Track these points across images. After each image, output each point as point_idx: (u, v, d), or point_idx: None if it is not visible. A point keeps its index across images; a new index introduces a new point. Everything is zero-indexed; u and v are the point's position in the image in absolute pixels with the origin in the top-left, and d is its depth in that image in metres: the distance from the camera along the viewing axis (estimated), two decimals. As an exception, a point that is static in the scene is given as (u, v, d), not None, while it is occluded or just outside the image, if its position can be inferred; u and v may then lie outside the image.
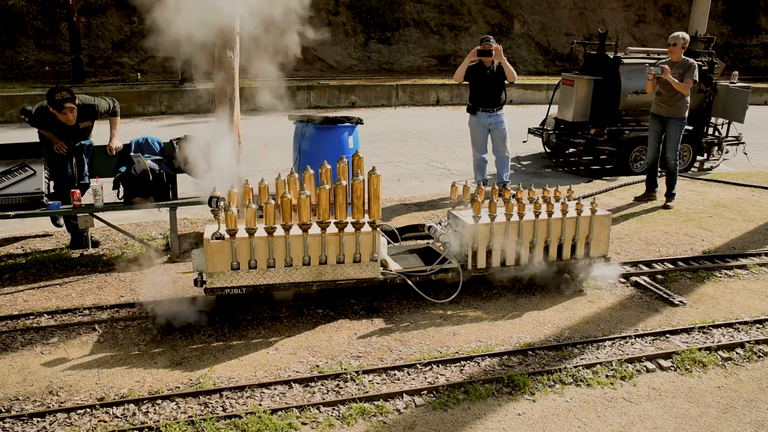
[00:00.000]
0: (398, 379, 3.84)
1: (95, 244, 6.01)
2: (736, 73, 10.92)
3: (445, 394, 3.69)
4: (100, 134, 6.25)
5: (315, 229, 4.40)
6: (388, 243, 5.27)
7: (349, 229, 4.48)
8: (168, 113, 14.63)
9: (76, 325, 4.44)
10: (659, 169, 7.84)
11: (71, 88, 5.55)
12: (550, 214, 4.93)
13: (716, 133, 10.19)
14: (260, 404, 3.56)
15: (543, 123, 10.48)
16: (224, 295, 4.44)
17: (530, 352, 4.17)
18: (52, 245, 6.00)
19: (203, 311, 4.56)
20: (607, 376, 3.92)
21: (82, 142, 5.72)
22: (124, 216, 6.57)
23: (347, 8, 20.21)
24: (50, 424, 3.37)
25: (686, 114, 7.44)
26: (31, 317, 4.56)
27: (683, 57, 7.32)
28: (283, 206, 4.33)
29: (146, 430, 3.34)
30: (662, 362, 4.07)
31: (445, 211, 6.72)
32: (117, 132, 5.84)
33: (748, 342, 4.32)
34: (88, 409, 3.48)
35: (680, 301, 4.97)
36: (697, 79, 7.31)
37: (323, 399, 3.62)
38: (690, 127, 9.39)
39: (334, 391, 3.71)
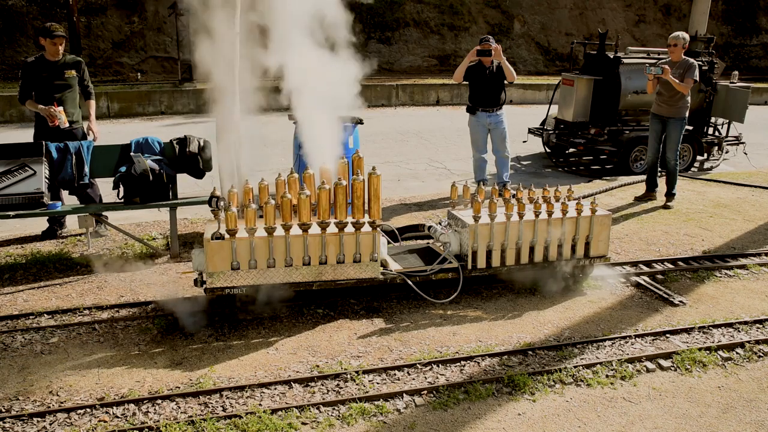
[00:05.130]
0: (398, 379, 3.84)
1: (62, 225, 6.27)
2: (736, 73, 10.93)
3: (445, 394, 3.69)
4: (100, 134, 6.26)
5: (315, 229, 4.40)
6: (388, 243, 5.27)
7: (349, 229, 4.48)
8: (168, 113, 14.63)
9: (76, 325, 4.44)
10: (659, 169, 7.85)
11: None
12: (550, 214, 4.92)
13: (716, 133, 10.19)
14: (260, 404, 3.56)
15: (543, 123, 10.48)
16: (224, 294, 4.44)
17: (530, 352, 4.17)
18: (53, 245, 6.00)
19: (203, 311, 4.56)
20: (607, 376, 3.92)
21: (82, 142, 5.72)
22: (125, 216, 6.57)
23: (347, 8, 20.20)
24: (50, 424, 3.37)
25: (686, 114, 7.44)
26: (31, 317, 4.56)
27: (683, 57, 7.32)
28: (283, 206, 4.33)
29: (146, 430, 3.33)
30: (662, 362, 4.07)
31: (445, 211, 6.72)
32: (94, 117, 6.25)
33: (748, 342, 4.32)
34: (88, 409, 3.48)
35: (680, 301, 4.97)
36: (697, 79, 7.31)
37: (323, 399, 3.62)
38: (690, 127, 9.39)
39: (334, 391, 3.71)
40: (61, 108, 5.86)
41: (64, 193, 6.10)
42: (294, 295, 4.64)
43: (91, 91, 6.28)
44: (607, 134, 9.37)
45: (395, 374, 3.89)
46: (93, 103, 6.28)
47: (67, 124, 5.93)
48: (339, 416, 3.48)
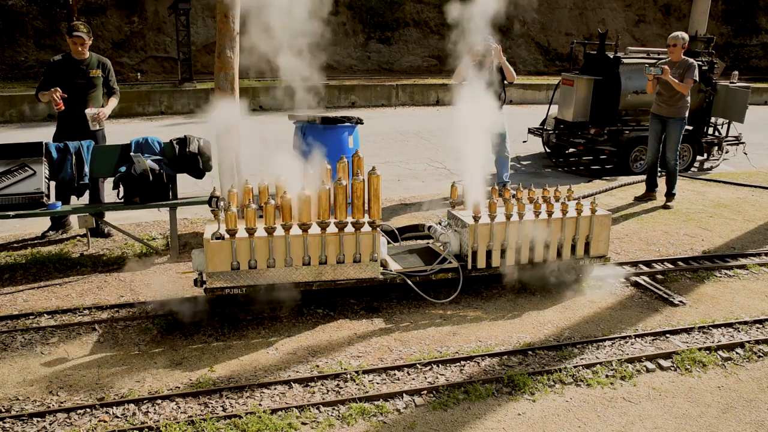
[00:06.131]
0: (398, 379, 3.84)
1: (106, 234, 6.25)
2: (736, 73, 10.94)
3: (445, 394, 3.69)
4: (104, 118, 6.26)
5: (315, 229, 4.40)
6: (388, 243, 5.27)
7: (349, 229, 4.48)
8: (168, 113, 14.64)
9: (76, 325, 4.44)
10: (659, 169, 7.85)
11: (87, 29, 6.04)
12: (550, 214, 4.93)
13: (716, 133, 10.19)
14: (260, 404, 3.56)
15: (543, 123, 10.48)
16: (224, 294, 4.44)
17: (530, 352, 4.17)
18: (52, 245, 6.00)
19: (203, 311, 4.57)
20: (607, 376, 3.92)
21: (82, 142, 5.72)
22: (125, 216, 6.57)
23: (347, 8, 20.22)
24: (50, 424, 3.37)
25: (686, 114, 7.44)
26: (31, 317, 4.56)
27: (683, 57, 7.33)
28: (283, 206, 4.33)
29: (146, 430, 3.33)
30: (662, 362, 4.07)
31: (445, 211, 6.72)
32: (109, 109, 6.14)
33: (748, 342, 4.32)
34: (88, 409, 3.48)
35: (680, 301, 4.97)
36: (697, 78, 7.31)
37: (323, 399, 3.62)
38: (690, 127, 9.39)
39: (334, 391, 3.71)
40: (96, 111, 5.87)
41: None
42: (300, 295, 4.63)
43: (115, 90, 6.24)
44: (607, 134, 9.37)
45: (395, 374, 3.89)
46: (115, 100, 6.23)
47: (97, 126, 5.94)
48: (339, 416, 3.48)
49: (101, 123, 6.03)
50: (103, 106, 6.07)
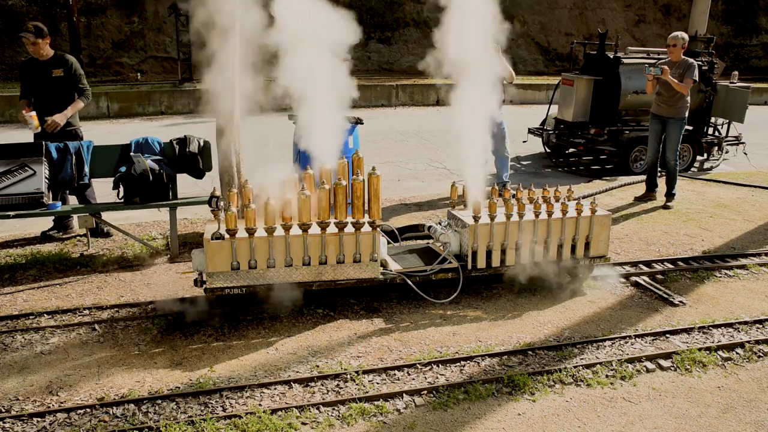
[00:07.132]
0: (398, 379, 3.84)
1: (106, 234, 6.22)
2: (736, 73, 10.92)
3: (445, 394, 3.69)
4: (99, 135, 6.25)
5: (315, 229, 4.40)
6: (388, 243, 5.27)
7: (349, 229, 4.48)
8: (168, 113, 14.63)
9: (76, 325, 4.44)
10: (659, 169, 7.85)
11: (42, 29, 5.84)
12: (550, 214, 4.93)
13: (716, 133, 10.19)
14: (260, 404, 3.56)
15: (543, 123, 10.48)
16: (224, 294, 4.44)
17: (530, 352, 4.17)
18: (52, 245, 6.00)
19: (203, 311, 4.56)
20: (607, 376, 3.92)
21: (82, 142, 5.72)
22: (124, 216, 6.57)
23: (347, 8, 20.21)
24: (50, 424, 3.37)
25: (686, 114, 7.44)
26: (31, 317, 4.56)
27: (683, 57, 7.33)
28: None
29: (146, 430, 3.34)
30: (662, 362, 4.08)
31: (445, 211, 6.72)
32: (69, 112, 5.90)
33: (748, 342, 4.32)
34: (88, 409, 3.48)
35: (680, 301, 4.97)
36: (696, 78, 7.31)
37: (323, 399, 3.62)
38: (690, 127, 9.39)
39: (334, 391, 3.71)
40: (33, 113, 5.68)
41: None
42: (301, 295, 4.63)
43: (83, 89, 5.99)
44: (607, 134, 9.37)
45: (395, 374, 3.89)
46: (79, 102, 5.97)
47: (39, 129, 5.72)
48: (339, 416, 3.48)
49: (35, 126, 5.77)
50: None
